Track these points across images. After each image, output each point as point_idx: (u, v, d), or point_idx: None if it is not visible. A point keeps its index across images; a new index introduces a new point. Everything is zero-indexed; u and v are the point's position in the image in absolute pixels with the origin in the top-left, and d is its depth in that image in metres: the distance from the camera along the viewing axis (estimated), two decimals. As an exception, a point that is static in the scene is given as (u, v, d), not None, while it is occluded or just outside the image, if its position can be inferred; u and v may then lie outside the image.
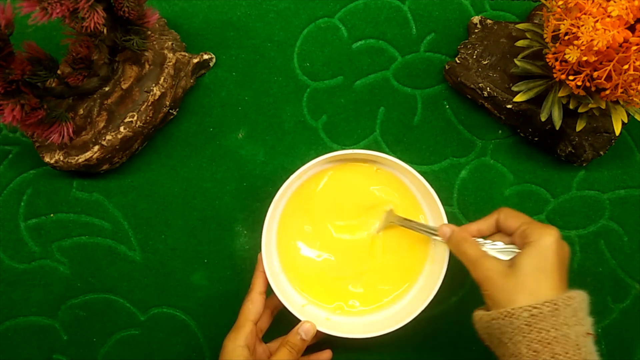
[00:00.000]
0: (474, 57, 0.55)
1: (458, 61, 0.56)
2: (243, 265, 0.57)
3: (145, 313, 0.57)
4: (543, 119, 0.50)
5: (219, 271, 0.57)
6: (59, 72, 0.48)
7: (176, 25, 0.58)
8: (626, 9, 0.40)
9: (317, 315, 0.53)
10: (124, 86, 0.53)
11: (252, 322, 0.47)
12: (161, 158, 0.58)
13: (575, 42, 0.41)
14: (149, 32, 0.50)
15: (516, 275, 0.40)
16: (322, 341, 0.55)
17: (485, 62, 0.55)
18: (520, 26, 0.51)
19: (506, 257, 0.43)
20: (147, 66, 0.53)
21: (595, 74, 0.43)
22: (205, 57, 0.57)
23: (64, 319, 0.57)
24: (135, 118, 0.53)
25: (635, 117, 0.48)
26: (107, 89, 0.53)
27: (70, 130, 0.51)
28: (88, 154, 0.53)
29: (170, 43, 0.54)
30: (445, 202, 0.56)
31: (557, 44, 0.45)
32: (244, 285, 0.57)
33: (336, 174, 0.55)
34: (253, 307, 0.48)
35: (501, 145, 0.58)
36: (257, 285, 0.49)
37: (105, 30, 0.48)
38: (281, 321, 0.57)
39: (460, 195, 0.58)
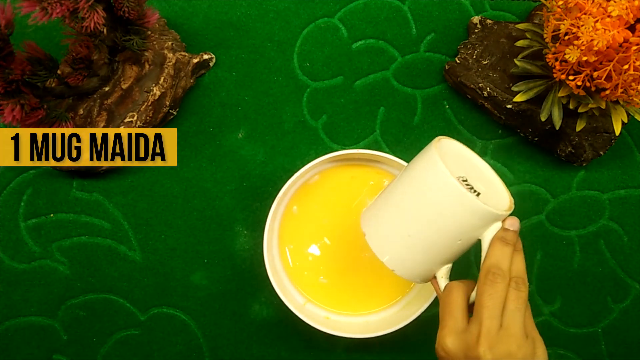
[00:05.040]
0: (474, 57, 0.55)
1: (458, 61, 0.56)
2: (243, 266, 0.57)
3: (145, 313, 0.57)
4: (543, 119, 0.50)
5: (219, 271, 0.57)
6: (59, 72, 0.48)
7: (176, 25, 0.58)
8: (626, 9, 0.40)
9: (316, 314, 0.53)
10: (124, 86, 0.53)
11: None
12: (161, 158, 0.58)
13: (575, 42, 0.41)
14: (149, 32, 0.50)
15: None
16: (323, 341, 0.56)
17: (485, 62, 0.55)
18: (520, 26, 0.51)
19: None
20: (147, 66, 0.53)
21: (595, 74, 0.43)
22: (205, 57, 0.57)
23: (64, 319, 0.57)
24: (135, 118, 0.53)
25: (635, 117, 0.48)
26: (107, 89, 0.53)
27: (70, 130, 0.51)
28: (88, 154, 0.53)
29: (170, 43, 0.54)
30: (445, 202, 0.56)
31: (557, 44, 0.45)
32: (244, 285, 0.57)
33: (337, 174, 0.55)
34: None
35: (501, 145, 0.58)
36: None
37: (105, 30, 0.48)
38: (282, 321, 0.57)
39: (460, 195, 0.58)
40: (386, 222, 0.41)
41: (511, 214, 0.40)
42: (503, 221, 0.40)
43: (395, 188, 0.42)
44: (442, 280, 0.42)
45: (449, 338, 0.38)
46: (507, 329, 0.36)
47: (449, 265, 0.42)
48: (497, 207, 0.39)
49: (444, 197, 0.38)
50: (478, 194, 0.41)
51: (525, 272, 0.39)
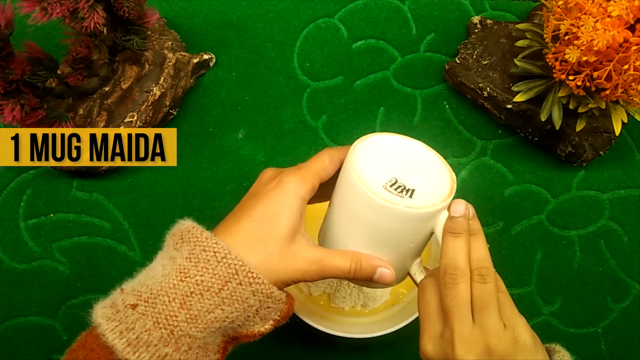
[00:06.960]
0: (474, 57, 0.55)
1: (458, 61, 0.56)
2: (243, 265, 0.57)
3: (145, 313, 0.57)
4: (543, 119, 0.50)
5: (219, 271, 0.57)
6: (59, 72, 0.48)
7: (176, 25, 0.58)
8: (626, 9, 0.40)
9: (317, 314, 0.53)
10: (124, 86, 0.53)
11: (319, 180, 0.39)
12: (161, 158, 0.58)
13: (575, 42, 0.41)
14: (149, 32, 0.50)
15: None
16: (323, 341, 0.55)
17: (485, 62, 0.55)
18: (520, 26, 0.51)
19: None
20: (147, 66, 0.53)
21: (595, 74, 0.43)
22: (205, 57, 0.57)
23: (64, 319, 0.57)
24: (135, 118, 0.53)
25: (635, 117, 0.48)
26: (107, 89, 0.53)
27: (70, 130, 0.51)
28: (88, 154, 0.53)
29: (170, 43, 0.54)
30: (445, 202, 0.56)
31: (557, 44, 0.45)
32: (244, 285, 0.57)
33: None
34: (330, 165, 0.40)
35: (501, 145, 0.58)
36: (344, 152, 0.40)
37: (105, 30, 0.48)
38: (281, 321, 0.57)
39: (460, 195, 0.57)
40: (337, 244, 0.40)
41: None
42: (450, 207, 0.38)
43: (333, 211, 0.41)
44: (417, 276, 0.41)
45: (429, 345, 0.37)
46: (481, 327, 0.35)
47: (418, 259, 0.41)
48: (435, 200, 0.38)
49: (376, 216, 0.37)
50: (412, 192, 0.39)
51: (488, 257, 0.37)
